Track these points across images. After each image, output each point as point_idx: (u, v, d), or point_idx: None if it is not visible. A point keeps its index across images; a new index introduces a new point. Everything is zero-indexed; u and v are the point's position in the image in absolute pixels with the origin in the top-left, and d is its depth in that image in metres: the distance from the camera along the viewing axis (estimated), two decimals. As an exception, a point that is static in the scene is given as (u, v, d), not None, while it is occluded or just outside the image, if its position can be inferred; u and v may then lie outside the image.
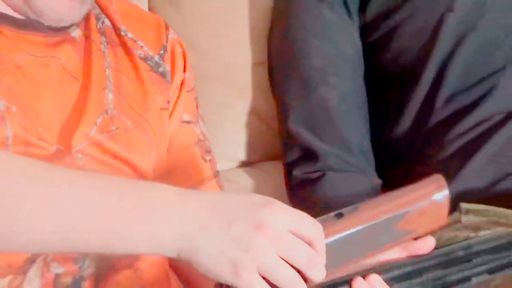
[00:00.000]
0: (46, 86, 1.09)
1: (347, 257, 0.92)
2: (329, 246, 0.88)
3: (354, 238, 0.91)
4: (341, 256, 0.90)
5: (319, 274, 0.86)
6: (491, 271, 1.02)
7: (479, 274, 1.01)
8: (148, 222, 0.85)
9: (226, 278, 0.84)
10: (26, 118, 1.04)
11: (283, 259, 0.84)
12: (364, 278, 0.93)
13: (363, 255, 0.93)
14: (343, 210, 0.92)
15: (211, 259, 0.84)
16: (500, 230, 1.22)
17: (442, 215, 0.98)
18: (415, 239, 0.97)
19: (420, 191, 0.96)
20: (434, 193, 0.96)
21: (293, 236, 0.85)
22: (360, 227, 0.91)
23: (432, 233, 0.98)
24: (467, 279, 1.01)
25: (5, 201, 0.83)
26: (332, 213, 0.93)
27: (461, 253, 1.01)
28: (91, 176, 0.92)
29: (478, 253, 1.01)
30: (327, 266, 0.87)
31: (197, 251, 0.84)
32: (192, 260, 0.84)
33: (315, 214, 1.41)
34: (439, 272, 0.99)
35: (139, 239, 0.85)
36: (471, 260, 1.00)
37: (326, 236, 0.88)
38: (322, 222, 0.90)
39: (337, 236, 0.89)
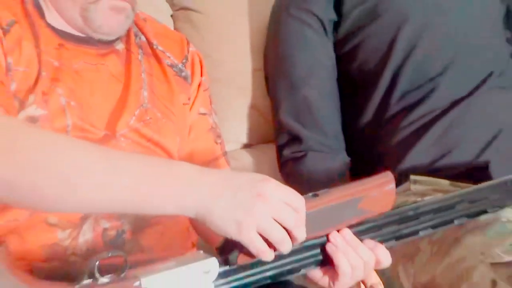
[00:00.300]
0: (97, 86, 1.10)
1: (320, 226, 0.94)
2: (307, 217, 0.90)
3: (325, 212, 0.94)
4: (315, 225, 0.92)
5: (302, 234, 0.89)
6: (434, 227, 1.03)
7: (424, 228, 1.03)
8: (174, 190, 0.88)
9: (232, 235, 0.87)
10: (81, 111, 1.06)
11: (276, 221, 0.87)
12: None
13: (332, 226, 0.96)
14: (318, 192, 0.94)
15: (220, 220, 0.87)
16: (440, 195, 1.21)
17: (390, 201, 0.99)
18: None
19: (376, 182, 0.98)
20: (385, 185, 0.98)
21: (284, 204, 0.88)
22: (330, 205, 0.94)
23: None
24: (415, 232, 1.03)
25: (63, 169, 0.86)
26: (310, 194, 0.94)
27: (411, 213, 1.02)
28: (131, 154, 0.96)
29: (424, 213, 1.03)
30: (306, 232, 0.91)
31: (210, 214, 0.87)
32: (206, 221, 0.88)
33: (300, 185, 1.45)
34: (394, 227, 1.01)
35: (167, 203, 0.88)
36: (418, 218, 1.02)
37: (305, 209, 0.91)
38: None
39: (313, 210, 0.92)
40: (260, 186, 0.88)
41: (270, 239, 0.87)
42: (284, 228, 0.88)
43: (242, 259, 0.92)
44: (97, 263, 0.87)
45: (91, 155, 0.89)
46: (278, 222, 0.87)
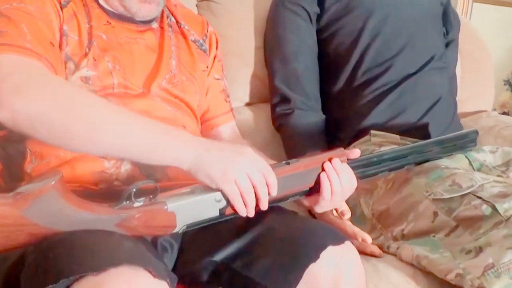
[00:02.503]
0: (136, 55, 1.01)
1: (290, 187, 0.88)
2: (279, 181, 0.85)
3: (293, 177, 0.87)
4: (286, 186, 0.87)
5: (264, 194, 0.83)
6: (390, 170, 0.99)
7: (383, 171, 0.97)
8: (174, 145, 0.81)
9: (216, 182, 0.81)
10: (124, 73, 0.98)
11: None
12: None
13: (300, 188, 0.89)
14: (290, 161, 0.89)
15: (209, 169, 0.80)
16: (394, 147, 1.18)
17: None
18: None
19: (333, 155, 0.91)
20: (340, 157, 0.91)
21: (256, 165, 0.83)
22: (298, 171, 0.88)
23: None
24: (376, 173, 0.97)
25: (91, 117, 0.80)
26: (283, 162, 0.89)
27: (375, 159, 0.96)
28: (145, 117, 0.86)
29: (384, 160, 0.97)
30: (279, 192, 0.85)
31: (201, 164, 0.80)
32: (197, 171, 0.81)
33: (288, 135, 1.37)
34: (362, 169, 0.95)
35: (167, 154, 0.81)
36: (380, 163, 0.97)
37: (278, 174, 0.85)
38: (276, 166, 0.87)
39: (284, 175, 0.87)
40: (243, 149, 0.84)
41: (241, 188, 0.82)
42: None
43: (228, 211, 0.84)
44: (134, 189, 0.78)
45: (114, 111, 0.83)
46: (249, 177, 0.82)
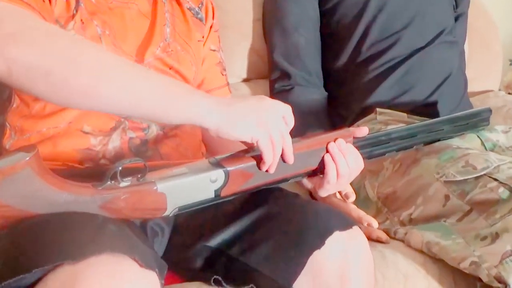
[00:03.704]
0: (127, 20, 0.92)
1: (291, 168, 0.79)
2: (279, 162, 0.77)
3: (296, 157, 0.78)
4: (287, 167, 0.78)
5: (290, 146, 0.77)
6: (397, 150, 0.92)
7: (390, 151, 0.91)
8: (193, 100, 0.71)
9: (253, 132, 0.72)
10: (115, 39, 0.89)
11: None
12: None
13: (302, 169, 0.81)
14: (292, 140, 0.79)
15: (242, 119, 0.72)
16: (402, 125, 1.11)
17: None
18: None
19: (339, 135, 0.83)
20: (346, 138, 0.83)
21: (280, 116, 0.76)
22: (300, 152, 0.79)
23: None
24: (383, 153, 0.90)
25: (93, 66, 0.69)
26: None
27: (383, 137, 0.89)
28: (156, 72, 0.80)
29: (393, 139, 0.90)
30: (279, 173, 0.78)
31: (231, 117, 0.71)
32: (226, 125, 0.71)
33: None
34: (368, 149, 0.87)
35: (188, 111, 0.71)
36: (388, 142, 0.90)
37: None
38: None
39: None
40: (261, 97, 0.77)
41: (273, 138, 0.73)
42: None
43: (224, 193, 0.76)
44: (119, 168, 0.69)
45: (119, 61, 0.73)
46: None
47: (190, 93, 0.73)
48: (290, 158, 0.77)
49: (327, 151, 0.81)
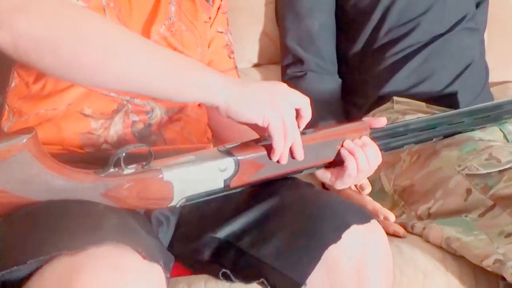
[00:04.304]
0: None
1: (307, 161, 0.75)
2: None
3: (311, 148, 0.75)
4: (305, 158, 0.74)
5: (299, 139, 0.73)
6: (416, 142, 0.87)
7: (408, 143, 0.86)
8: (203, 76, 0.68)
9: (265, 113, 0.68)
10: (119, 13, 0.84)
11: None
12: None
13: (317, 162, 0.77)
14: (305, 130, 0.76)
15: (254, 99, 0.69)
16: (420, 115, 1.06)
17: None
18: None
19: (355, 127, 0.79)
20: (362, 131, 0.79)
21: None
22: (316, 142, 0.76)
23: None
24: (401, 146, 0.85)
25: (102, 40, 0.66)
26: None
27: (401, 129, 0.84)
28: (167, 49, 0.77)
29: (411, 130, 0.85)
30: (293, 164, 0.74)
31: (243, 96, 0.68)
32: (230, 106, 0.68)
33: None
34: (385, 140, 0.82)
35: (198, 86, 0.67)
36: (407, 134, 0.85)
37: None
38: None
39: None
40: (279, 83, 0.74)
41: (286, 124, 0.69)
42: None
43: (234, 183, 0.72)
44: (123, 154, 0.65)
45: (130, 35, 0.70)
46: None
47: (200, 69, 0.69)
48: (300, 154, 0.72)
49: (342, 146, 0.77)
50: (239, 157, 0.71)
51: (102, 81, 0.67)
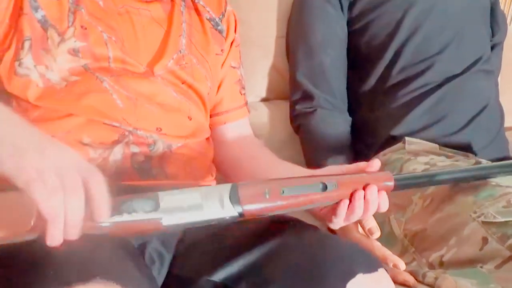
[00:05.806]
0: (138, 27, 0.85)
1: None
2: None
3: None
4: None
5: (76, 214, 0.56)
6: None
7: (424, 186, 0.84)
8: None
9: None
10: (123, 46, 0.82)
11: None
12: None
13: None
14: (326, 182, 0.68)
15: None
16: (433, 157, 1.02)
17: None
18: None
19: (378, 177, 0.71)
20: (385, 181, 0.71)
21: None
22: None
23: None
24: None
25: None
26: (320, 184, 0.69)
27: (425, 179, 0.77)
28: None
29: (433, 182, 0.80)
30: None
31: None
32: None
33: (307, 136, 1.21)
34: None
35: None
36: (430, 184, 0.84)
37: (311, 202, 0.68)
38: (309, 190, 0.68)
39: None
40: (54, 140, 0.62)
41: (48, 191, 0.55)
42: None
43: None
44: None
45: None
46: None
47: None
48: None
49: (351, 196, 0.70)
50: (244, 210, 0.66)
51: None
